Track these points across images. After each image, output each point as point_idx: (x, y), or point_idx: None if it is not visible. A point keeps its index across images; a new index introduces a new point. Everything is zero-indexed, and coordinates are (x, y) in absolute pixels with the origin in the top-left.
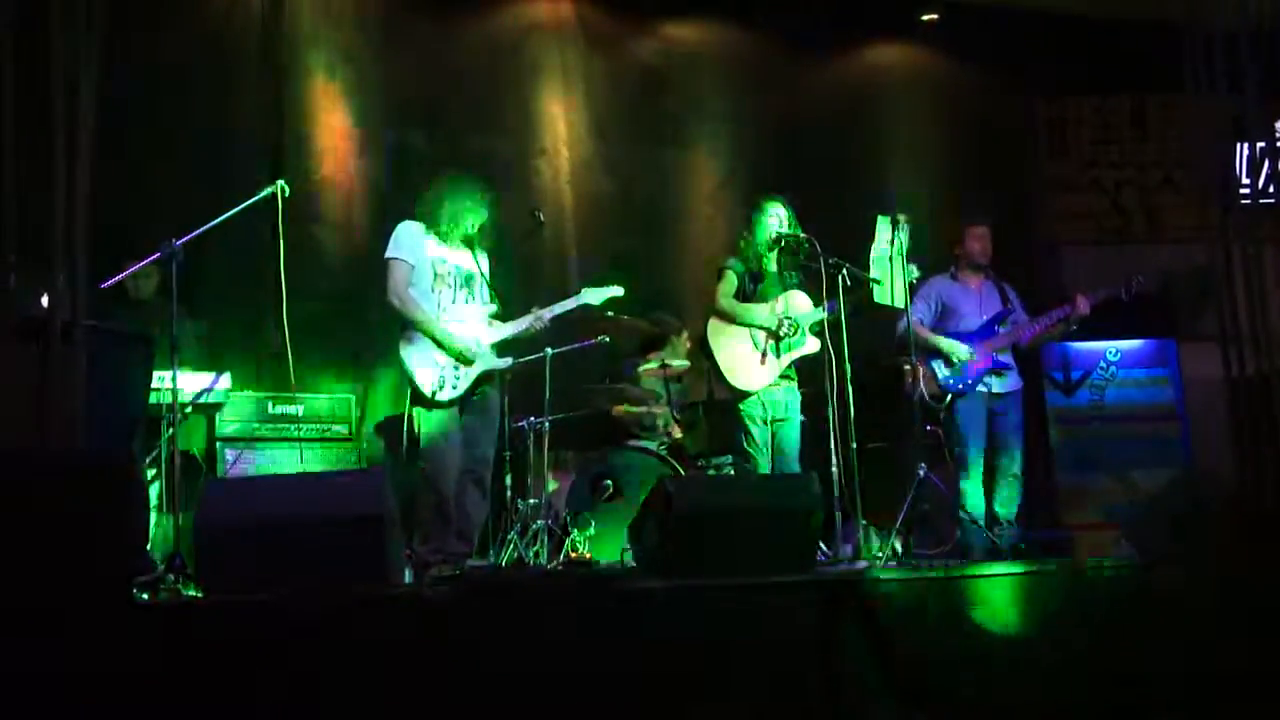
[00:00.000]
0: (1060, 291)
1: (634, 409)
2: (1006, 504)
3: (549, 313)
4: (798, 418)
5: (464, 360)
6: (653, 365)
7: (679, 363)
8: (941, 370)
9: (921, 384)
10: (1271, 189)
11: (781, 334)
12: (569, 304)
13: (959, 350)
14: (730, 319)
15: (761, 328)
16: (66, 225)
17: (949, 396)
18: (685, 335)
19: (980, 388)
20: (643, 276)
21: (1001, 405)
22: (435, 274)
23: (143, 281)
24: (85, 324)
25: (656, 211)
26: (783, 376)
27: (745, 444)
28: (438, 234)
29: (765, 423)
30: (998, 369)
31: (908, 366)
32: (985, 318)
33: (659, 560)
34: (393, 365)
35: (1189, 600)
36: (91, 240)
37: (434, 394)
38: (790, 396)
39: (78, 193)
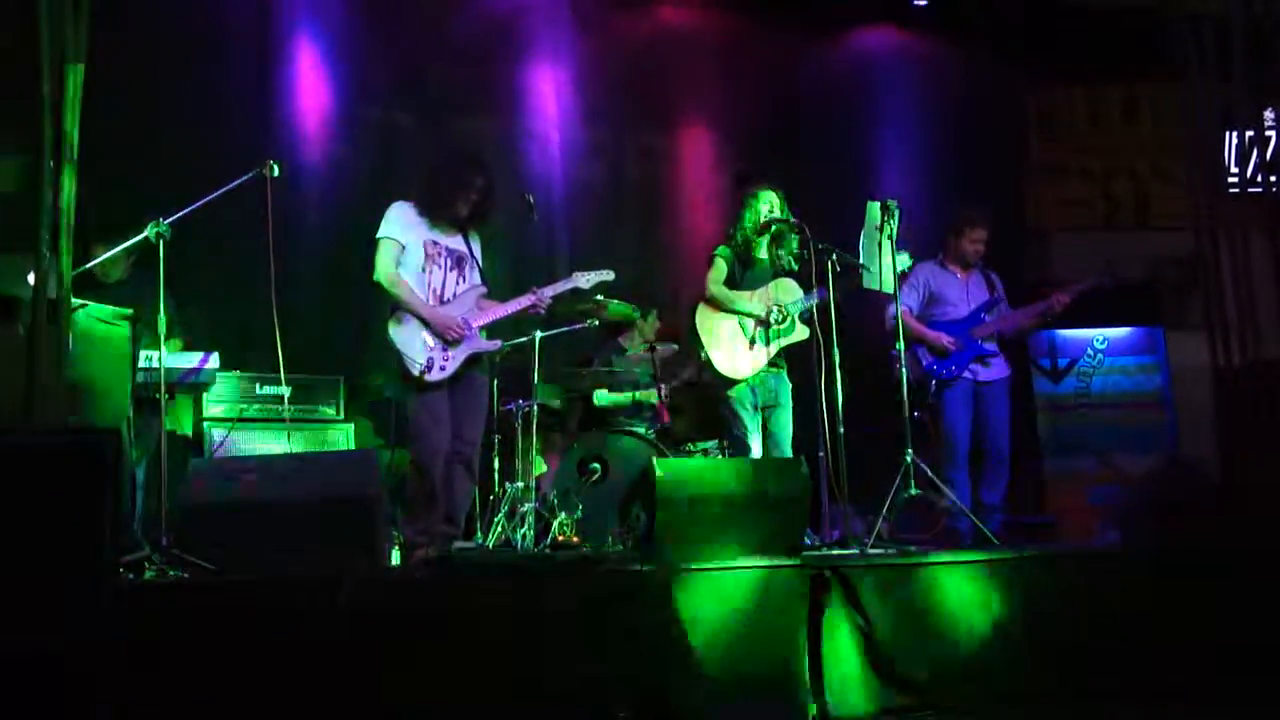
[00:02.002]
0: (1049, 278)
1: (617, 396)
2: (993, 490)
3: (551, 290)
4: (789, 404)
5: (450, 341)
6: (641, 349)
7: (666, 345)
8: (925, 357)
9: (908, 370)
10: (1260, 178)
11: (771, 321)
12: (560, 287)
13: (941, 342)
14: (720, 306)
15: (750, 315)
16: (53, 205)
17: (934, 383)
18: (653, 318)
19: (966, 374)
20: (633, 260)
21: (989, 392)
22: (426, 255)
23: (110, 267)
24: (72, 303)
25: (647, 195)
26: (772, 364)
27: (736, 430)
28: (430, 215)
29: (755, 409)
30: (982, 356)
31: (895, 353)
32: (972, 305)
33: (646, 543)
34: (382, 346)
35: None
36: (78, 220)
37: (422, 374)
38: (780, 383)
39: (64, 173)
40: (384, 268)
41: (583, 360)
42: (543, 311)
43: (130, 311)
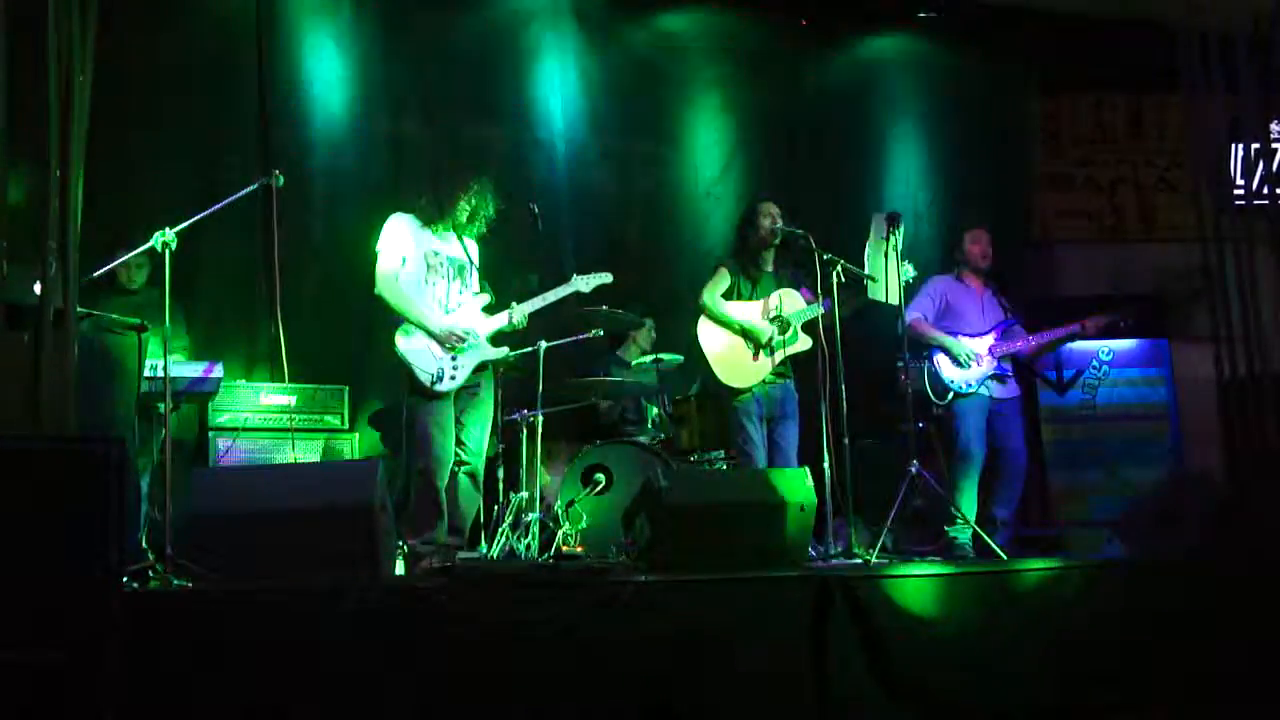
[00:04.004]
0: (1053, 288)
1: (609, 405)
2: (1005, 506)
3: (552, 295)
4: (795, 416)
5: (456, 350)
6: (646, 360)
7: (671, 356)
8: (945, 369)
9: (925, 380)
10: (1266, 190)
11: (762, 344)
12: (561, 291)
13: (960, 348)
14: (712, 317)
15: (740, 331)
16: (60, 214)
17: (950, 395)
18: (648, 329)
19: (982, 390)
20: (638, 269)
21: (1003, 411)
22: (428, 265)
23: (135, 271)
24: (78, 312)
25: (652, 204)
26: (777, 374)
27: (741, 441)
28: (431, 225)
29: (761, 420)
30: (999, 375)
31: (901, 364)
32: (988, 322)
33: (650, 553)
34: (386, 356)
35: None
36: (85, 229)
37: (432, 384)
38: (787, 394)
39: (71, 182)
40: (385, 280)
41: (606, 370)
42: (524, 318)
43: (137, 321)
